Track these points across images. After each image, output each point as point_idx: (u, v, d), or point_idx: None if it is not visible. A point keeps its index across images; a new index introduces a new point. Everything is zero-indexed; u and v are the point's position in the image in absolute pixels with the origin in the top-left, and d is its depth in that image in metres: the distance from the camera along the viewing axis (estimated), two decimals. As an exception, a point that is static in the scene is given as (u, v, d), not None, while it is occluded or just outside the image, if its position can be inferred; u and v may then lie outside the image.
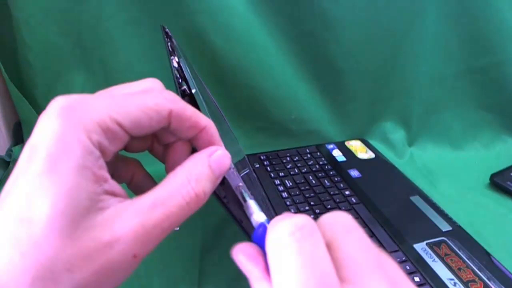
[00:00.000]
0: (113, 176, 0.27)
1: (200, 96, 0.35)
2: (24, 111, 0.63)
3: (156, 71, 0.47)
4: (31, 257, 0.18)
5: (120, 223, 0.20)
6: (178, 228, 0.57)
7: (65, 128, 0.19)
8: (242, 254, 0.21)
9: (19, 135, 0.65)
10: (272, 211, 0.53)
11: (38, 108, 0.62)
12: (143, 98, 0.22)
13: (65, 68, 0.63)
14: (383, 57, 0.70)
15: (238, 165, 0.52)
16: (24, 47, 0.60)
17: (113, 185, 0.21)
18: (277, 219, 0.20)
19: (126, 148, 0.25)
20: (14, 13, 0.57)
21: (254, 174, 0.59)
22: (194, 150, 0.26)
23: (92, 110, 0.20)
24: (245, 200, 0.25)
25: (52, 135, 0.19)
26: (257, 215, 0.23)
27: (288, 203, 0.55)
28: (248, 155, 0.65)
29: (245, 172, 0.55)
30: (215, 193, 0.26)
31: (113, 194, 0.21)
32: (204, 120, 0.25)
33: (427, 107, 0.76)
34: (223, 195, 0.27)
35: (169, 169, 0.26)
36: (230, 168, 0.25)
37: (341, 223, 0.20)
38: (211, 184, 0.24)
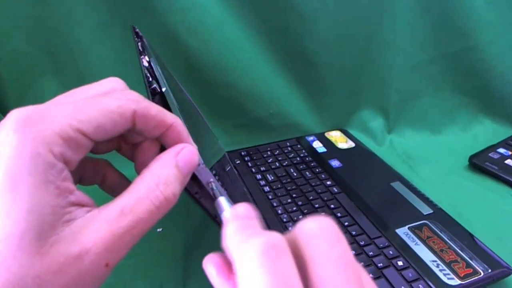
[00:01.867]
0: (82, 179, 0.27)
1: (171, 94, 0.35)
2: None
3: (130, 73, 0.46)
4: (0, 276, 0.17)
5: (88, 234, 0.20)
6: (161, 229, 0.57)
7: (24, 143, 0.19)
8: (212, 266, 0.20)
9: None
10: (254, 206, 0.53)
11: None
12: (105, 102, 0.22)
13: (36, 77, 0.62)
14: (357, 47, 0.71)
15: (219, 162, 0.52)
16: (-8, 56, 0.58)
17: (79, 195, 0.21)
18: (242, 231, 0.19)
19: (92, 150, 0.25)
20: (-20, 22, 0.56)
21: (235, 170, 0.59)
22: (163, 148, 0.25)
23: (51, 121, 0.20)
24: (215, 197, 0.24)
25: (11, 151, 0.19)
26: (228, 213, 0.22)
27: (270, 197, 0.55)
28: (228, 152, 0.64)
29: (227, 169, 0.55)
30: (186, 189, 0.25)
31: (80, 204, 0.21)
32: (170, 118, 0.24)
33: (404, 94, 0.77)
34: (195, 191, 0.27)
35: (138, 168, 0.26)
36: (199, 164, 0.25)
37: (323, 235, 0.18)
38: (180, 184, 0.23)
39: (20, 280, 0.18)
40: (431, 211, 0.54)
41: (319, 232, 0.18)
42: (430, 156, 0.71)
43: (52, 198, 0.19)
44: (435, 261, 0.45)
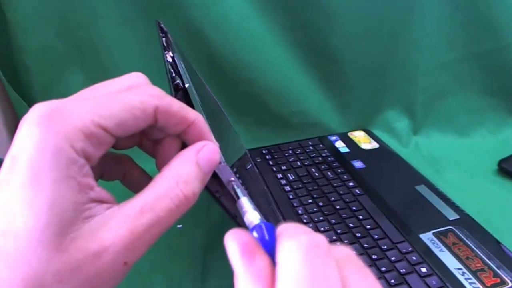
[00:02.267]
0: (104, 175, 0.26)
1: (194, 91, 0.34)
2: (23, 114, 0.62)
3: (153, 68, 0.46)
4: (19, 271, 0.17)
5: (107, 232, 0.19)
6: (181, 226, 0.57)
7: (46, 138, 0.19)
8: (236, 244, 0.19)
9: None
10: (274, 205, 0.52)
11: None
12: (127, 97, 0.21)
13: (62, 69, 0.63)
14: (383, 44, 0.69)
15: (240, 160, 0.52)
16: (20, 49, 0.59)
17: (99, 192, 0.20)
18: (291, 230, 0.19)
19: (113, 146, 0.25)
20: (8, 16, 0.57)
21: (255, 168, 0.59)
22: (184, 145, 0.25)
23: (73, 116, 0.19)
24: (238, 197, 0.24)
25: (33, 146, 0.18)
26: (251, 215, 0.22)
27: (291, 196, 0.54)
28: (249, 150, 0.64)
29: (248, 167, 0.55)
30: (207, 188, 0.25)
31: (100, 201, 0.20)
32: (192, 115, 0.24)
33: (431, 94, 0.75)
34: (215, 189, 0.26)
35: (159, 165, 0.25)
36: (220, 163, 0.24)
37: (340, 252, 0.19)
38: (200, 182, 0.23)
39: (40, 275, 0.18)
40: (457, 217, 0.52)
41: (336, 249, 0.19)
42: (457, 159, 0.69)
43: (73, 194, 0.19)
44: (461, 269, 0.44)
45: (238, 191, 0.24)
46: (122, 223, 0.20)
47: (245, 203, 0.23)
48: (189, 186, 0.22)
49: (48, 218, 0.18)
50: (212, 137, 0.25)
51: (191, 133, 0.24)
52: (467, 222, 0.51)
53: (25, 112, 0.20)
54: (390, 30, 0.68)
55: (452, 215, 0.52)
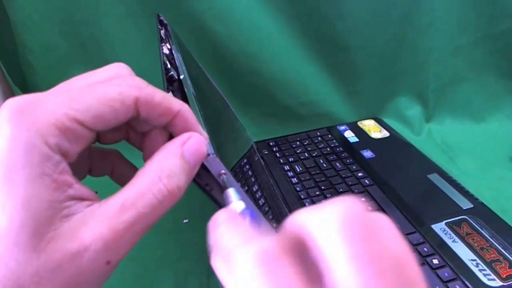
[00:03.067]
0: (92, 171, 0.26)
1: (189, 82, 0.33)
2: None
3: (157, 63, 0.45)
4: None
5: (87, 230, 0.19)
6: (187, 221, 0.56)
7: (18, 134, 0.18)
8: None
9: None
10: (280, 198, 0.51)
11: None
12: (104, 89, 0.20)
13: (67, 67, 0.63)
14: (392, 30, 0.66)
15: (247, 153, 0.51)
16: (24, 48, 0.60)
17: (79, 189, 0.20)
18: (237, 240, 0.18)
19: (99, 140, 0.24)
20: (11, 16, 0.57)
21: (262, 161, 0.58)
22: (172, 137, 0.24)
23: (46, 111, 0.19)
24: (226, 188, 0.23)
25: (4, 143, 0.18)
26: (235, 204, 0.21)
27: (298, 188, 0.53)
28: (256, 142, 0.63)
29: (255, 159, 0.54)
30: (195, 181, 0.24)
31: (80, 198, 0.20)
32: (176, 105, 0.23)
33: (443, 80, 0.72)
34: (205, 183, 0.25)
35: (146, 158, 0.24)
36: (209, 155, 0.23)
37: (340, 229, 0.15)
38: (186, 176, 0.22)
39: (18, 277, 0.17)
40: (472, 206, 0.50)
41: (335, 225, 0.15)
42: (472, 147, 0.67)
43: (48, 192, 0.18)
44: (475, 260, 0.42)
45: (227, 183, 0.23)
46: (102, 221, 0.19)
47: (232, 193, 0.22)
48: (172, 180, 0.21)
49: (23, 219, 0.17)
50: (200, 128, 0.24)
51: (177, 124, 0.23)
52: (481, 211, 0.49)
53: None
54: (399, 15, 0.65)
55: (466, 204, 0.50)
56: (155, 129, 0.24)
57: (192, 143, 0.22)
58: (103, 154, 0.26)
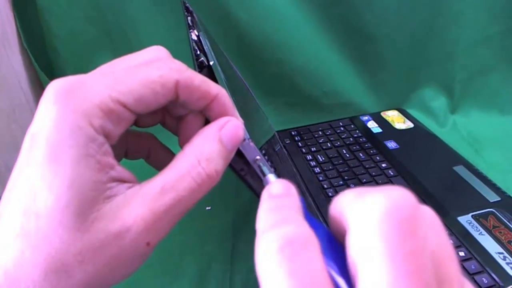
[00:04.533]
0: (127, 154, 0.26)
1: (219, 68, 0.33)
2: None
3: (182, 50, 0.45)
4: (41, 251, 0.17)
5: (129, 212, 0.19)
6: (209, 208, 0.57)
7: (64, 115, 0.18)
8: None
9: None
10: (303, 187, 0.51)
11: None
12: (146, 71, 0.21)
13: (92, 53, 0.64)
14: (419, 19, 0.65)
15: (268, 142, 0.51)
16: (51, 35, 0.60)
17: (120, 171, 0.20)
18: (265, 224, 0.17)
19: (136, 123, 0.24)
20: (39, 2, 0.58)
21: (284, 150, 0.57)
22: (208, 122, 0.24)
23: (91, 92, 0.19)
24: (264, 175, 0.23)
25: (51, 124, 0.18)
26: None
27: (320, 178, 0.53)
28: (278, 131, 0.63)
29: (276, 149, 0.54)
30: (231, 166, 0.24)
31: (121, 180, 0.20)
32: (214, 89, 0.23)
33: (471, 70, 0.70)
34: (240, 168, 0.25)
35: (182, 143, 0.25)
36: (244, 140, 0.24)
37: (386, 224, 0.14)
38: (223, 160, 0.22)
39: (62, 256, 0.18)
40: (499, 199, 0.49)
41: (382, 218, 0.14)
42: (498, 139, 0.65)
43: (92, 173, 0.18)
44: (502, 253, 0.41)
45: (264, 168, 0.23)
46: (143, 203, 0.19)
47: (272, 179, 0.22)
48: (211, 164, 0.21)
49: (68, 199, 0.18)
50: (236, 113, 0.24)
51: (214, 108, 0.23)
52: (509, 204, 0.48)
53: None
54: (428, 3, 0.64)
55: (493, 197, 0.49)
56: (191, 113, 0.24)
57: (230, 128, 0.22)
58: (139, 137, 0.27)
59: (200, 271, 0.45)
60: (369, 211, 0.14)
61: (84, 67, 0.64)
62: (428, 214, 0.15)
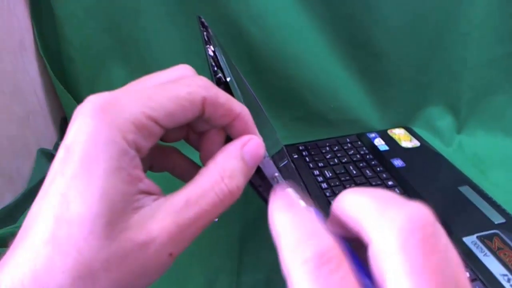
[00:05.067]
0: (153, 167, 0.27)
1: (235, 84, 0.34)
2: (69, 106, 0.65)
3: (194, 62, 0.46)
4: (70, 257, 0.18)
5: (155, 223, 0.20)
6: (217, 220, 0.57)
7: (100, 129, 0.19)
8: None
9: (66, 130, 0.68)
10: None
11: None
12: (176, 88, 0.22)
13: (107, 63, 0.65)
14: (427, 38, 0.66)
15: (276, 156, 0.51)
16: (66, 44, 0.62)
17: (147, 183, 0.21)
18: (291, 238, 0.17)
19: (162, 138, 0.25)
20: (57, 12, 0.59)
21: (292, 164, 0.58)
22: (228, 138, 0.25)
23: (125, 109, 0.20)
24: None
25: (87, 137, 0.19)
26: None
27: (327, 194, 0.54)
28: (286, 146, 0.63)
29: (284, 163, 0.54)
30: (250, 182, 0.25)
31: (148, 192, 0.21)
32: (238, 107, 0.24)
33: (477, 91, 0.71)
34: (258, 184, 0.26)
35: (203, 158, 0.26)
36: (264, 157, 0.24)
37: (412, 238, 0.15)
38: (244, 177, 0.23)
39: (90, 262, 0.18)
40: (504, 221, 0.49)
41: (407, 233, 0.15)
42: (504, 160, 0.66)
43: (123, 185, 0.19)
44: (506, 275, 0.42)
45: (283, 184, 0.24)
46: (168, 216, 0.20)
47: (292, 193, 0.23)
48: (233, 180, 0.22)
49: (100, 208, 0.18)
50: (257, 131, 0.25)
51: (236, 126, 0.24)
52: (514, 227, 0.48)
53: (70, 104, 0.20)
54: (436, 23, 0.65)
55: (498, 219, 0.50)
56: (213, 129, 0.25)
57: (252, 146, 0.23)
58: (163, 151, 0.28)
59: (207, 283, 0.46)
60: (393, 230, 0.15)
61: (97, 75, 0.65)
62: (440, 229, 0.17)
